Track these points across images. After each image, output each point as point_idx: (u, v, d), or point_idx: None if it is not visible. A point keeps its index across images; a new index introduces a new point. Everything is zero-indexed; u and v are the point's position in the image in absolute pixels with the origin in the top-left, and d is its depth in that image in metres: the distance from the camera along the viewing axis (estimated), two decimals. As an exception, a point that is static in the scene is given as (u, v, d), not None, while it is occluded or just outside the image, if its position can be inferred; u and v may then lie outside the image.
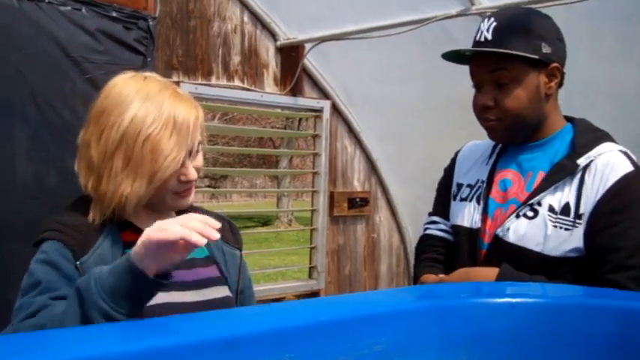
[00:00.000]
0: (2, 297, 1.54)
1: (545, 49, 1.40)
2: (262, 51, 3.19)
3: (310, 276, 3.54)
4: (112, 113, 1.21)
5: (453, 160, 1.68)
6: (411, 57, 3.02)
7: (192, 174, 1.27)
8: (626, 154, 1.39)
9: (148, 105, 1.21)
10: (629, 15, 2.28)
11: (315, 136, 3.49)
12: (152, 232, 1.03)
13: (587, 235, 1.33)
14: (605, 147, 1.39)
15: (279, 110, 3.58)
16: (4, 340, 0.86)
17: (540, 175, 1.43)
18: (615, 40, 2.38)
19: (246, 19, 3.12)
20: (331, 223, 3.54)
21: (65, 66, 2.01)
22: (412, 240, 3.88)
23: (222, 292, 1.35)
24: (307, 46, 3.18)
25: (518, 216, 1.41)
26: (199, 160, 1.31)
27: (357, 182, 3.67)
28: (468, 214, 1.53)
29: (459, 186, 1.60)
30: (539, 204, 1.40)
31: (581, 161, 1.38)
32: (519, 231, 1.40)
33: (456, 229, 1.56)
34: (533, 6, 1.88)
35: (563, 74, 1.46)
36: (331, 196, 3.51)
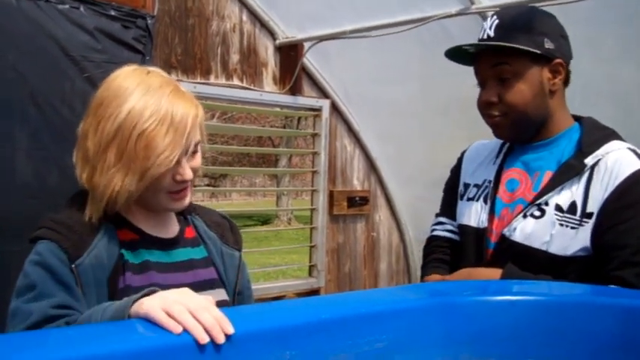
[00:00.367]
0: (2, 296, 1.54)
1: (548, 44, 1.40)
2: (261, 50, 3.19)
3: (310, 274, 3.54)
4: (110, 105, 1.19)
5: (460, 160, 1.68)
6: (410, 57, 3.02)
7: (188, 174, 1.23)
8: (634, 151, 1.38)
9: (147, 99, 1.18)
10: (630, 17, 2.28)
11: (314, 135, 3.49)
12: (157, 312, 0.91)
13: (595, 233, 1.33)
14: (612, 145, 1.38)
15: (278, 109, 3.58)
16: (4, 338, 0.86)
17: (547, 175, 1.43)
18: (616, 41, 2.38)
19: (245, 17, 3.11)
20: (331, 221, 3.54)
21: (64, 65, 2.01)
22: (412, 238, 3.88)
23: (219, 295, 1.32)
24: (306, 45, 3.18)
25: (525, 216, 1.41)
26: (197, 160, 1.27)
27: (357, 181, 3.67)
28: (474, 214, 1.52)
29: (466, 186, 1.60)
30: (546, 204, 1.39)
31: (589, 160, 1.37)
32: (526, 230, 1.40)
33: (463, 229, 1.56)
34: (534, 4, 1.88)
35: (568, 72, 1.46)
36: (331, 194, 3.51)
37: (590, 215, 1.34)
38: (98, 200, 1.20)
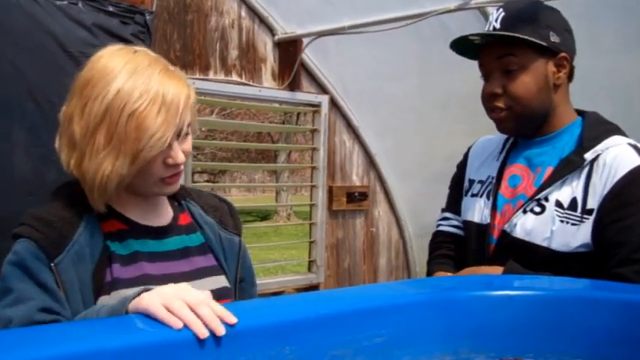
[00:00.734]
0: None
1: (554, 37, 1.40)
2: (260, 45, 3.19)
3: (309, 270, 3.55)
4: (96, 85, 1.12)
5: (466, 156, 1.68)
6: (408, 52, 3.02)
7: (180, 157, 1.17)
8: (635, 147, 1.36)
9: (136, 78, 1.12)
10: (629, 11, 2.28)
11: (313, 131, 3.48)
12: (157, 308, 0.90)
13: (595, 230, 1.33)
14: (613, 140, 1.37)
15: (277, 105, 3.58)
16: (2, 334, 0.86)
17: (549, 171, 1.42)
18: (616, 35, 2.38)
19: (243, 13, 3.11)
20: (330, 217, 3.55)
21: (62, 61, 2.01)
22: (411, 234, 3.89)
23: (219, 282, 1.28)
24: (305, 40, 3.18)
25: (525, 211, 1.41)
26: (188, 143, 1.21)
27: (356, 177, 3.67)
28: (478, 210, 1.53)
29: (471, 182, 1.60)
30: (546, 199, 1.39)
31: (588, 155, 1.36)
32: (526, 226, 1.40)
33: (467, 225, 1.57)
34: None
35: (572, 67, 1.45)
36: (330, 190, 3.51)
37: (590, 212, 1.34)
38: (88, 189, 1.14)
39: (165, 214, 1.29)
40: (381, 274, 3.84)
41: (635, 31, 2.34)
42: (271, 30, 3.21)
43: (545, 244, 1.37)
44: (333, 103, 3.48)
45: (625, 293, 1.10)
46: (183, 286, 0.97)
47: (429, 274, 1.62)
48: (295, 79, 3.24)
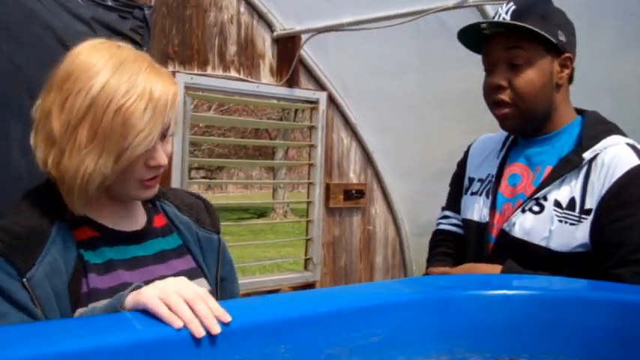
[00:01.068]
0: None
1: (562, 37, 1.40)
2: (259, 41, 3.18)
3: (306, 268, 3.54)
4: (79, 78, 1.07)
5: (466, 154, 1.67)
6: (407, 49, 3.02)
7: (163, 158, 1.13)
8: (633, 147, 1.36)
9: (122, 73, 1.07)
10: (628, 10, 2.28)
11: (311, 128, 3.48)
12: (156, 304, 0.87)
13: (593, 230, 1.32)
14: (611, 140, 1.37)
15: (275, 101, 3.57)
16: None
17: (548, 170, 1.42)
18: (615, 34, 2.38)
19: (242, 9, 3.10)
20: (327, 214, 3.54)
21: (61, 56, 1.98)
22: (407, 232, 3.89)
23: (199, 285, 1.17)
24: (304, 37, 3.17)
25: (524, 210, 1.41)
26: (170, 144, 1.17)
27: (353, 174, 3.67)
28: (477, 208, 1.53)
29: (471, 180, 1.60)
30: (544, 199, 1.39)
31: (587, 155, 1.36)
32: (525, 226, 1.40)
33: (466, 223, 1.57)
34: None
35: (573, 69, 1.46)
36: (327, 187, 3.51)
37: (588, 212, 1.34)
38: (67, 190, 1.08)
39: (138, 218, 1.24)
40: (377, 273, 3.84)
41: (634, 30, 2.34)
42: (270, 26, 3.20)
43: (543, 243, 1.37)
44: (331, 100, 3.48)
45: (621, 293, 1.10)
46: (182, 279, 0.95)
47: (427, 271, 1.62)
48: (293, 76, 3.24)
